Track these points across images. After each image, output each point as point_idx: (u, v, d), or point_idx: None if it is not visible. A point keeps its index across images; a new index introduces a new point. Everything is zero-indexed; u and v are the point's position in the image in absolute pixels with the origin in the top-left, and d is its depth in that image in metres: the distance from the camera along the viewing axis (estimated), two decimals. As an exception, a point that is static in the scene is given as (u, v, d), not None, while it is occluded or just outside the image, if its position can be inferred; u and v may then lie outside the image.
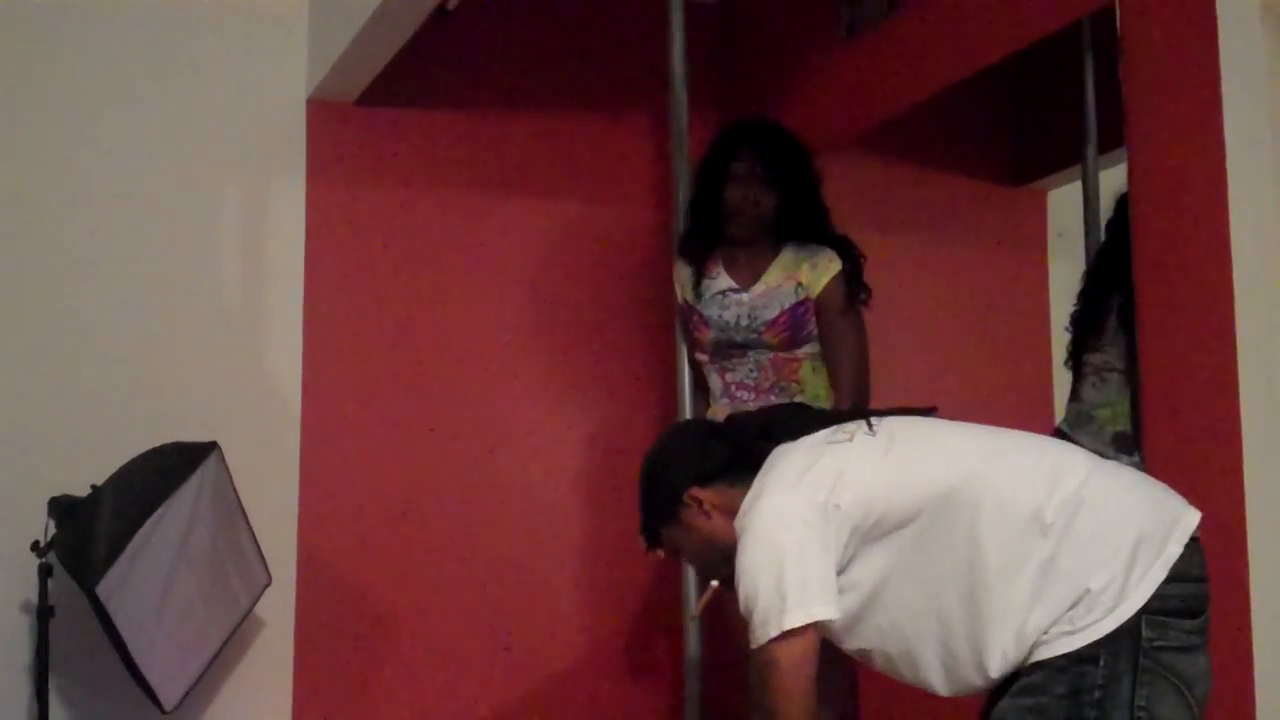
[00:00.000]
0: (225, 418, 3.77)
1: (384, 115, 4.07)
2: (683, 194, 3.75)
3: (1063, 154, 3.59)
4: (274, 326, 3.95)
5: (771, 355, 3.51)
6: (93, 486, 3.35)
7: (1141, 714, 2.11)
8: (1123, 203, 3.06)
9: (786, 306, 3.48)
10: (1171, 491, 2.29)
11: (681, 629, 3.74)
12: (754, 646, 2.25)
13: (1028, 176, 3.85)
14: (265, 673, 3.83)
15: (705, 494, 2.43)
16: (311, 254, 3.99)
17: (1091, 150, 3.42)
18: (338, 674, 3.91)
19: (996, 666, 2.20)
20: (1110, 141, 3.25)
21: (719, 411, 3.57)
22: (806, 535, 2.23)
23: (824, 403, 3.45)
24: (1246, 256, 2.63)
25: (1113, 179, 3.21)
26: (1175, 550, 2.15)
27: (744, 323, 3.52)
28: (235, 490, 3.59)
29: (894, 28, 3.68)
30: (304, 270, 3.98)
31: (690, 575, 3.57)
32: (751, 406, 3.48)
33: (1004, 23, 3.31)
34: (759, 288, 3.53)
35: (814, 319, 3.50)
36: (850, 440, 2.36)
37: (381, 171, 4.09)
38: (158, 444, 3.47)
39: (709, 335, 3.57)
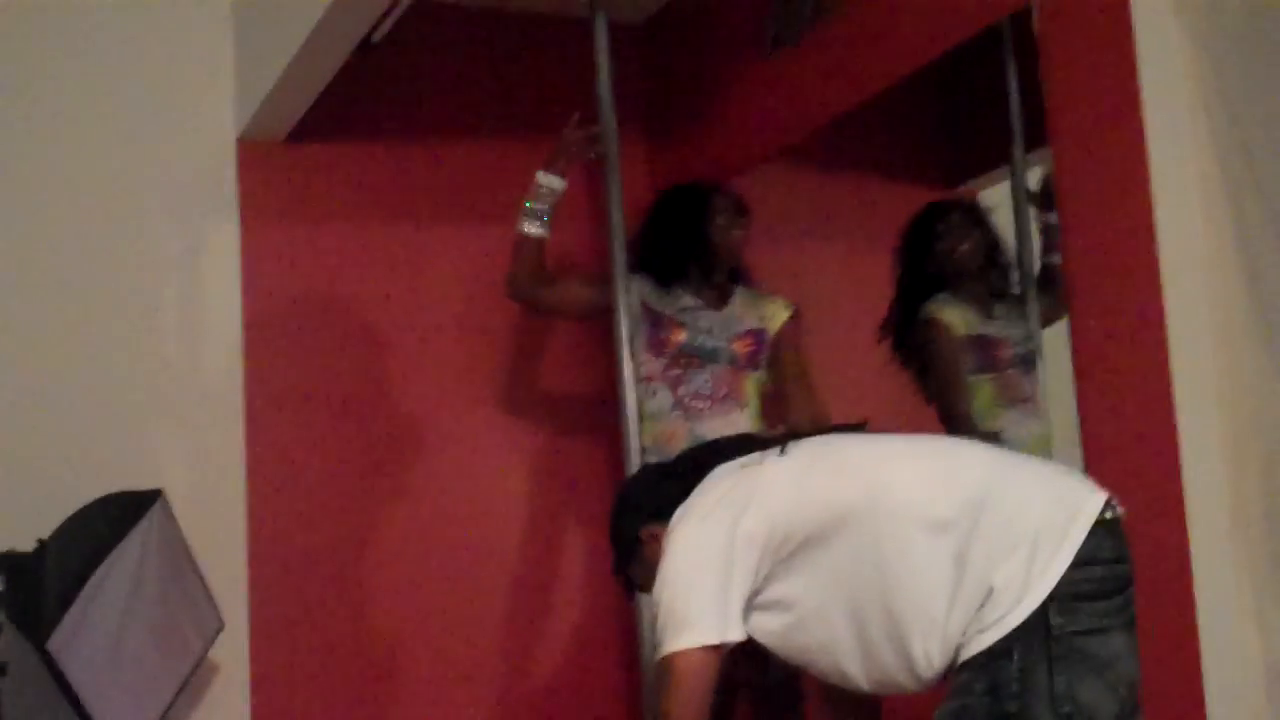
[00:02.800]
0: (169, 464, 3.76)
1: (315, 151, 4.06)
2: (616, 216, 3.76)
3: (991, 154, 3.62)
4: (214, 369, 3.92)
5: (725, 369, 3.74)
6: (39, 541, 3.30)
7: (1063, 701, 2.13)
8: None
9: (754, 328, 3.81)
10: (1078, 477, 2.34)
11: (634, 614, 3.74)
12: (656, 659, 2.39)
13: (959, 178, 3.87)
14: (222, 718, 3.79)
15: (659, 529, 2.52)
16: (248, 293, 3.96)
17: (1018, 150, 3.44)
18: (296, 717, 3.88)
19: (924, 671, 2.25)
20: (1037, 140, 3.28)
21: (667, 429, 3.64)
22: (709, 562, 2.34)
23: (761, 419, 3.75)
24: (1172, 247, 2.66)
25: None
26: (1078, 536, 2.17)
27: (717, 331, 3.77)
28: (182, 536, 3.57)
29: (815, 40, 3.71)
30: (241, 310, 3.95)
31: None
32: (706, 414, 3.66)
33: (923, 29, 3.34)
34: (729, 309, 3.83)
35: (767, 352, 3.81)
36: (761, 464, 2.44)
37: (315, 208, 4.07)
38: (102, 494, 3.44)
39: (681, 337, 3.76)
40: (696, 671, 2.33)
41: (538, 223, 3.74)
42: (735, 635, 2.35)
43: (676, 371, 3.74)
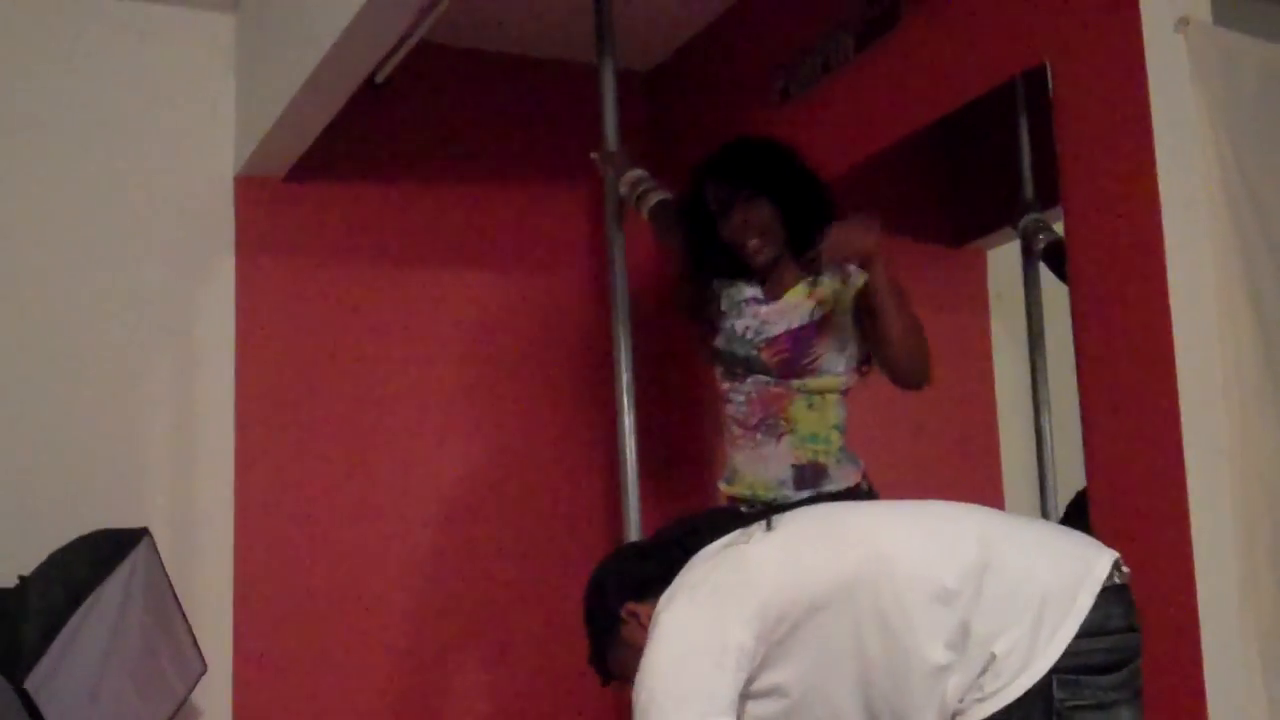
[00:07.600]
0: (157, 503, 3.72)
1: (314, 191, 4.04)
2: (619, 261, 3.72)
3: (1000, 213, 3.59)
4: (206, 408, 3.87)
5: (764, 385, 3.16)
6: (20, 577, 3.27)
7: None
8: None
9: (792, 327, 3.15)
10: (1083, 539, 2.28)
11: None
12: None
13: (967, 237, 3.85)
14: (203, 764, 3.74)
15: (641, 608, 2.41)
16: (243, 333, 3.93)
17: (1029, 210, 3.42)
18: (278, 763, 3.82)
19: None
20: (1047, 200, 3.25)
21: (723, 449, 3.34)
22: (695, 651, 2.22)
23: (821, 442, 3.14)
24: (1184, 311, 2.64)
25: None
26: (1086, 603, 2.12)
27: (749, 335, 3.19)
28: (167, 577, 3.51)
29: (824, 94, 3.70)
30: (235, 349, 3.92)
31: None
32: (742, 443, 3.21)
33: (935, 86, 3.33)
34: (779, 304, 3.21)
35: (818, 345, 3.14)
36: (749, 543, 2.34)
37: (312, 248, 4.05)
38: (87, 532, 3.39)
39: (716, 342, 3.26)
40: None
41: (656, 192, 3.62)
42: None
43: (725, 385, 3.25)
